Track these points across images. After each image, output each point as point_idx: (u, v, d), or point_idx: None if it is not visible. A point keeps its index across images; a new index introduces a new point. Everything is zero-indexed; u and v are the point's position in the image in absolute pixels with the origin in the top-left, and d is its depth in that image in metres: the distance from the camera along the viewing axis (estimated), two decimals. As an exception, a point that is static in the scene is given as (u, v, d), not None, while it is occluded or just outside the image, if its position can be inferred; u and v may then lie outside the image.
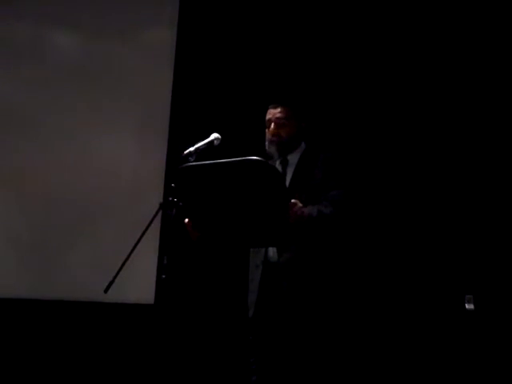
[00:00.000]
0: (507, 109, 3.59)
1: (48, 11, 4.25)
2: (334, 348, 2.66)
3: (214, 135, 2.56)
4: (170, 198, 2.34)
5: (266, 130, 2.85)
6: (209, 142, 2.53)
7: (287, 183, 2.69)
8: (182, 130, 3.90)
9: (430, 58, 3.76)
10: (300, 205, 2.40)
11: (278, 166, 2.78)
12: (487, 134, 3.59)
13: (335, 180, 2.69)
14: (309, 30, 3.96)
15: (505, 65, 3.64)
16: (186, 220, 2.46)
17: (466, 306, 3.20)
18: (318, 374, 2.53)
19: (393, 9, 3.86)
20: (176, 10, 4.19)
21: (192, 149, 2.46)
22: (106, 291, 2.27)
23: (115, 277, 2.28)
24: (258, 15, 4.04)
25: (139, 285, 3.67)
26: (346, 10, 3.94)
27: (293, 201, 2.37)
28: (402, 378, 3.33)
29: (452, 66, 3.72)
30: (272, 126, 2.81)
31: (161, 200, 2.43)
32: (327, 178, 2.69)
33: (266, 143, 2.84)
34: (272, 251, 2.67)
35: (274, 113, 2.83)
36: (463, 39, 3.72)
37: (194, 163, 2.37)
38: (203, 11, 4.15)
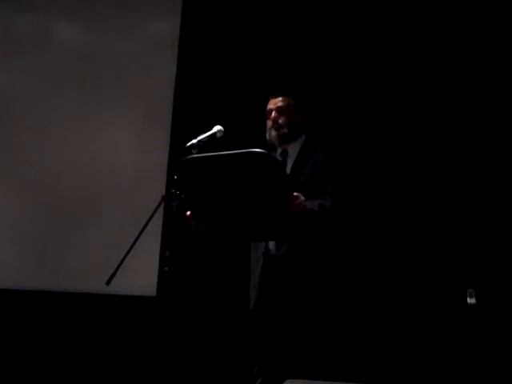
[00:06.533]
0: (507, 109, 3.57)
1: (50, 3, 4.24)
2: (334, 340, 2.67)
3: (217, 127, 2.56)
4: (173, 190, 2.34)
5: (266, 121, 2.85)
6: (211, 135, 2.53)
7: (287, 175, 2.68)
8: (184, 122, 3.89)
9: (429, 49, 3.74)
10: (302, 198, 2.40)
11: (278, 157, 2.78)
12: (490, 123, 3.58)
13: (335, 173, 2.69)
14: (310, 22, 3.94)
15: (505, 65, 3.62)
16: (188, 212, 2.46)
17: (468, 300, 3.19)
18: (319, 365, 2.53)
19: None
20: (179, 2, 4.17)
21: (195, 141, 2.46)
22: (107, 283, 2.27)
23: (117, 269, 2.28)
24: (260, 7, 4.02)
25: (141, 277, 3.67)
26: (346, 3, 3.92)
27: (295, 194, 2.36)
28: (403, 372, 3.32)
29: (453, 57, 3.70)
30: (273, 113, 2.81)
31: (163, 192, 2.43)
32: (327, 170, 2.69)
33: (267, 133, 2.85)
34: (272, 244, 2.67)
35: (274, 102, 2.85)
36: (463, 39, 3.70)
37: (197, 155, 2.36)
38: (206, 3, 4.13)
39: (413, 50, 3.75)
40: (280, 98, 2.84)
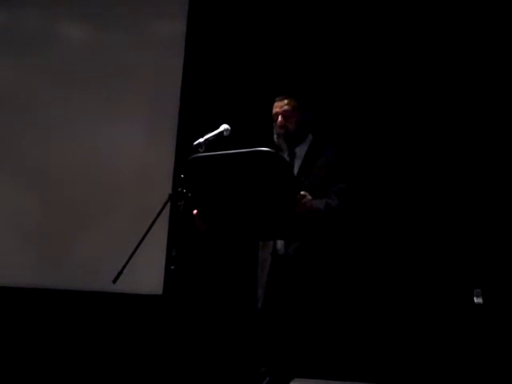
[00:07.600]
0: (507, 109, 3.56)
1: (56, 2, 4.25)
2: (342, 339, 2.67)
3: (224, 126, 2.55)
4: (179, 189, 2.34)
5: (273, 124, 2.85)
6: (218, 133, 2.53)
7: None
8: (191, 121, 3.89)
9: (433, 47, 3.73)
10: (309, 197, 2.40)
11: (285, 158, 2.77)
12: (494, 117, 3.57)
13: (341, 173, 2.69)
14: (316, 22, 3.94)
15: (505, 65, 3.60)
16: (195, 211, 2.46)
17: (475, 300, 3.18)
18: (326, 364, 2.53)
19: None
20: (186, 2, 4.17)
21: (201, 140, 2.45)
22: (114, 281, 2.28)
23: (124, 267, 2.28)
24: (266, 8, 4.02)
25: (148, 275, 3.68)
26: (351, 3, 3.91)
27: (302, 193, 2.36)
28: (411, 372, 3.32)
29: (457, 55, 3.70)
30: (279, 118, 2.81)
31: (170, 191, 2.43)
32: (334, 171, 2.69)
33: (275, 136, 2.84)
34: (280, 244, 2.68)
35: (280, 105, 2.84)
36: (464, 38, 3.68)
37: (204, 154, 2.36)
38: (213, 3, 4.13)
39: (420, 49, 3.74)
40: (285, 101, 2.83)
